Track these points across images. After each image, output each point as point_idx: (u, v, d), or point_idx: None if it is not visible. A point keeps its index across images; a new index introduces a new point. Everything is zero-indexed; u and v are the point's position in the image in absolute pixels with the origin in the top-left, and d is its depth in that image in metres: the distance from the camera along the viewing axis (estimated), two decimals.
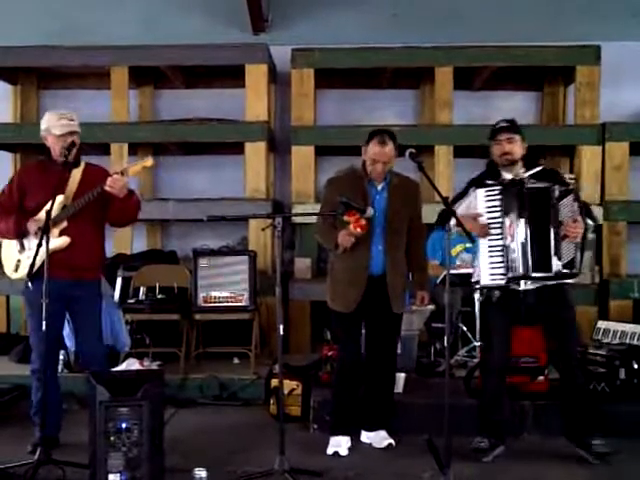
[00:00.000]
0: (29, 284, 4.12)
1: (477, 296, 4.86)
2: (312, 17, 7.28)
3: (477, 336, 5.22)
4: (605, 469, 4.04)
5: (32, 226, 4.18)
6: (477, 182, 4.28)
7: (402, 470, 4.05)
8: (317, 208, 4.69)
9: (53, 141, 4.23)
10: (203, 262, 5.92)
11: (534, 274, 4.09)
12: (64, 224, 4.17)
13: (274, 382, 4.87)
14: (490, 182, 4.21)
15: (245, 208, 6.18)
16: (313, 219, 4.63)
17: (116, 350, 5.44)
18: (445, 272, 3.86)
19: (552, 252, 4.07)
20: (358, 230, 4.09)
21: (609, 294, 6.37)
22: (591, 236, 4.27)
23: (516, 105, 7.31)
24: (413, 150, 3.96)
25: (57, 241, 4.13)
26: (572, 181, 6.35)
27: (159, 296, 5.91)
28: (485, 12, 7.09)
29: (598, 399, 4.57)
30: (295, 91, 6.71)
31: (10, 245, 4.32)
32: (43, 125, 4.28)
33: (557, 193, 4.08)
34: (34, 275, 4.05)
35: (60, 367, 5.13)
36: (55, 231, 4.11)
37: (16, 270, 4.29)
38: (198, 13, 7.24)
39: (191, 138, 6.89)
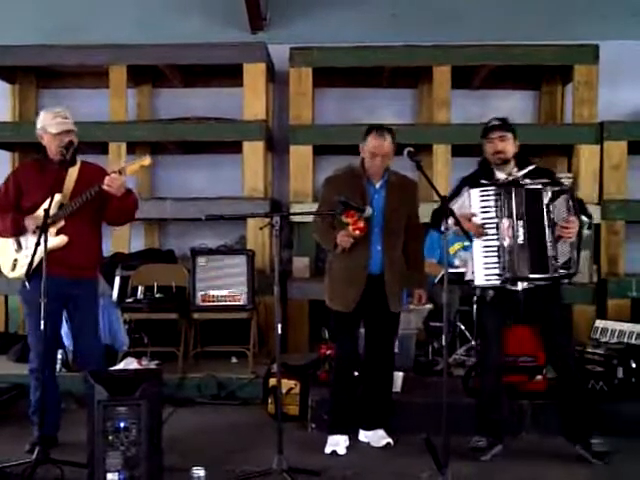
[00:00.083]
0: (26, 283, 4.11)
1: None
2: (310, 16, 7.27)
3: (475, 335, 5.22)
4: (603, 468, 4.04)
5: (30, 225, 4.18)
6: (470, 181, 4.27)
7: (400, 469, 4.05)
8: (315, 207, 4.69)
9: (49, 140, 4.23)
10: (201, 261, 5.91)
11: (531, 275, 4.10)
12: (61, 223, 4.16)
13: (272, 381, 4.87)
14: (484, 182, 4.21)
15: (243, 207, 6.18)
16: (311, 218, 4.63)
17: (114, 349, 5.48)
18: (443, 271, 3.85)
19: (549, 253, 4.07)
20: (357, 233, 4.09)
21: (607, 293, 6.38)
22: (587, 232, 4.26)
23: (514, 104, 7.33)
24: (411, 149, 3.96)
25: (55, 240, 4.12)
26: (569, 180, 6.37)
27: (157, 295, 5.92)
28: (483, 11, 7.09)
29: (596, 398, 4.57)
30: (293, 90, 6.71)
31: (7, 244, 4.30)
32: (38, 124, 4.28)
33: (550, 194, 4.08)
34: (32, 274, 4.04)
35: (58, 366, 5.11)
36: (52, 230, 4.11)
37: (13, 269, 4.28)
38: (196, 12, 7.23)
39: (189, 137, 6.90)
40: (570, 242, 4.09)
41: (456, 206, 4.12)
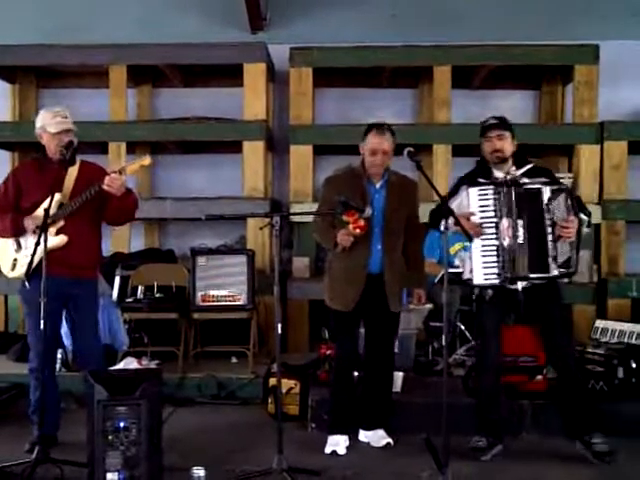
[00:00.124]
0: (26, 283, 4.11)
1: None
2: (310, 16, 7.27)
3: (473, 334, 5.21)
4: (604, 468, 4.04)
5: (29, 225, 4.18)
6: (468, 180, 4.26)
7: (400, 469, 4.05)
8: (315, 207, 4.69)
9: (48, 139, 4.22)
10: (201, 261, 5.91)
11: (531, 275, 4.09)
12: (61, 222, 4.16)
13: (272, 381, 4.87)
14: (483, 181, 4.20)
15: (243, 207, 6.18)
16: (311, 218, 4.63)
17: (114, 349, 5.48)
18: (443, 271, 3.85)
19: (549, 253, 4.07)
20: (357, 231, 4.09)
21: (607, 293, 6.38)
22: (586, 230, 4.26)
23: (514, 104, 7.32)
24: (411, 149, 3.95)
25: (55, 240, 4.12)
26: (570, 180, 6.37)
27: (157, 295, 5.91)
28: (483, 11, 7.09)
29: (596, 398, 4.56)
30: (293, 90, 6.70)
31: (6, 244, 4.30)
32: (38, 123, 4.27)
33: (550, 193, 4.08)
34: (32, 274, 4.04)
35: (58, 366, 5.11)
36: (52, 230, 4.11)
37: (13, 269, 4.28)
38: (196, 12, 7.23)
39: (189, 137, 6.89)
40: (570, 241, 4.09)
41: (454, 205, 4.11)
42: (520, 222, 4.09)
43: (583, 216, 4.16)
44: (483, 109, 6.87)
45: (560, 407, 4.29)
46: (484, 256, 4.13)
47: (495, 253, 4.12)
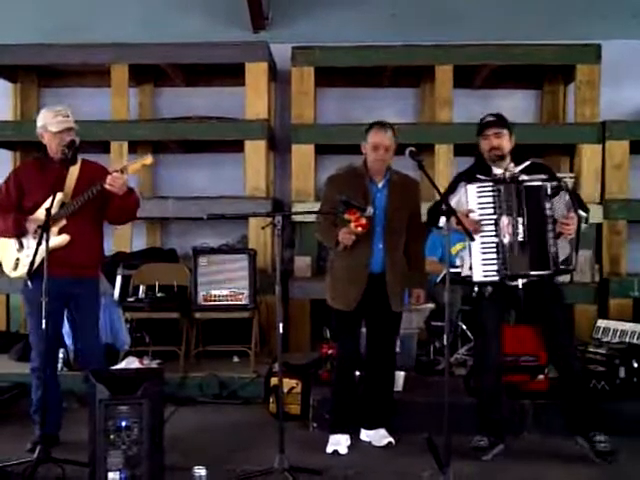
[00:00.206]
0: (28, 282, 4.11)
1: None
2: (312, 15, 7.27)
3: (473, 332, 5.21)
4: (605, 468, 4.04)
5: (31, 224, 4.18)
6: (466, 177, 4.25)
7: (402, 469, 4.05)
8: (317, 206, 4.69)
9: (50, 138, 4.22)
10: (203, 260, 5.91)
11: (532, 272, 4.09)
12: (63, 222, 4.16)
13: (274, 380, 4.86)
14: (482, 177, 4.19)
15: (245, 206, 6.18)
16: (313, 217, 4.63)
17: (116, 348, 5.47)
18: (445, 270, 3.85)
19: (550, 250, 4.07)
20: (359, 229, 4.08)
21: (609, 293, 6.37)
22: (584, 225, 4.25)
23: (516, 103, 7.32)
24: (413, 148, 3.96)
25: (57, 239, 4.12)
26: (571, 179, 6.36)
27: (159, 294, 5.91)
28: (485, 11, 7.09)
29: (598, 398, 4.56)
30: (295, 89, 6.70)
31: (8, 244, 4.30)
32: (39, 122, 4.27)
33: (549, 190, 4.07)
34: (33, 273, 4.04)
35: (60, 365, 5.13)
36: (54, 229, 4.11)
37: (15, 269, 4.28)
38: (198, 11, 7.23)
39: (191, 136, 6.89)
40: (570, 238, 4.08)
41: (452, 202, 4.08)
42: (520, 219, 4.08)
43: (582, 213, 4.16)
44: (485, 109, 6.82)
45: (562, 402, 4.28)
46: (484, 253, 4.12)
47: (494, 250, 4.11)
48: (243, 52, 6.67)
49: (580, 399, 4.16)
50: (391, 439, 4.39)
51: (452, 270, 4.06)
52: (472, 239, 4.00)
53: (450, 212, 3.85)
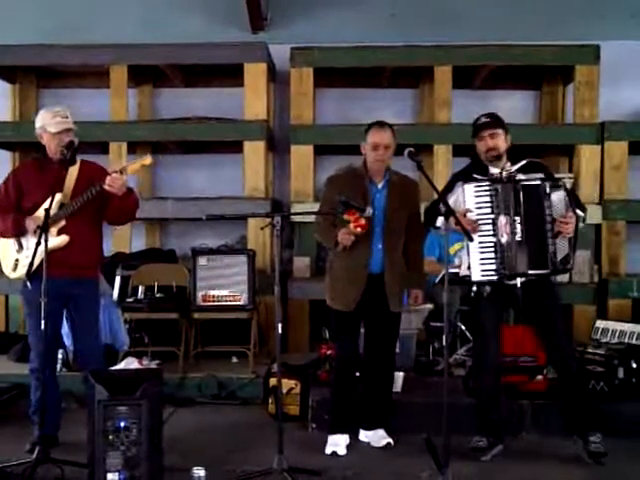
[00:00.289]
0: (27, 283, 4.10)
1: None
2: (311, 16, 7.27)
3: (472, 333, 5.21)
4: (603, 468, 4.04)
5: (31, 225, 4.17)
6: (463, 176, 4.25)
7: (400, 469, 4.05)
8: (316, 207, 4.69)
9: (48, 139, 4.22)
10: (202, 261, 5.91)
11: (531, 271, 4.09)
12: (62, 222, 4.16)
13: (273, 381, 4.87)
14: (479, 177, 4.19)
15: (244, 207, 6.18)
16: (312, 218, 4.63)
17: (115, 349, 5.48)
18: (444, 271, 3.85)
19: (549, 249, 4.07)
20: (358, 230, 4.08)
21: (608, 293, 6.38)
22: (581, 224, 4.25)
23: (515, 104, 7.32)
24: (412, 149, 3.96)
25: (56, 240, 4.12)
26: (570, 180, 6.36)
27: (158, 295, 5.91)
28: (484, 11, 7.09)
29: (597, 398, 4.56)
30: (294, 90, 6.70)
31: (7, 244, 4.30)
32: (38, 123, 4.27)
33: (548, 189, 4.07)
34: (33, 274, 4.04)
35: (59, 366, 5.12)
36: (53, 230, 4.11)
37: (14, 269, 4.28)
38: (197, 12, 7.23)
39: (190, 137, 6.90)
40: (568, 237, 4.08)
41: (450, 202, 4.07)
42: (518, 218, 4.08)
43: (579, 212, 4.16)
44: (484, 109, 6.79)
45: (560, 401, 4.28)
46: (482, 253, 4.12)
47: (492, 250, 4.11)
48: (242, 53, 6.67)
49: (578, 399, 4.16)
50: (390, 440, 4.39)
51: (451, 270, 4.06)
52: (471, 239, 4.00)
53: (449, 212, 3.85)
